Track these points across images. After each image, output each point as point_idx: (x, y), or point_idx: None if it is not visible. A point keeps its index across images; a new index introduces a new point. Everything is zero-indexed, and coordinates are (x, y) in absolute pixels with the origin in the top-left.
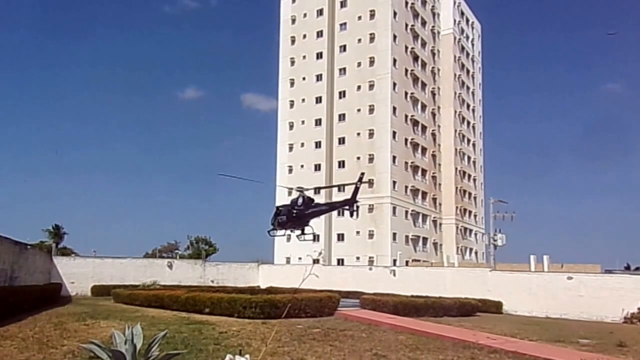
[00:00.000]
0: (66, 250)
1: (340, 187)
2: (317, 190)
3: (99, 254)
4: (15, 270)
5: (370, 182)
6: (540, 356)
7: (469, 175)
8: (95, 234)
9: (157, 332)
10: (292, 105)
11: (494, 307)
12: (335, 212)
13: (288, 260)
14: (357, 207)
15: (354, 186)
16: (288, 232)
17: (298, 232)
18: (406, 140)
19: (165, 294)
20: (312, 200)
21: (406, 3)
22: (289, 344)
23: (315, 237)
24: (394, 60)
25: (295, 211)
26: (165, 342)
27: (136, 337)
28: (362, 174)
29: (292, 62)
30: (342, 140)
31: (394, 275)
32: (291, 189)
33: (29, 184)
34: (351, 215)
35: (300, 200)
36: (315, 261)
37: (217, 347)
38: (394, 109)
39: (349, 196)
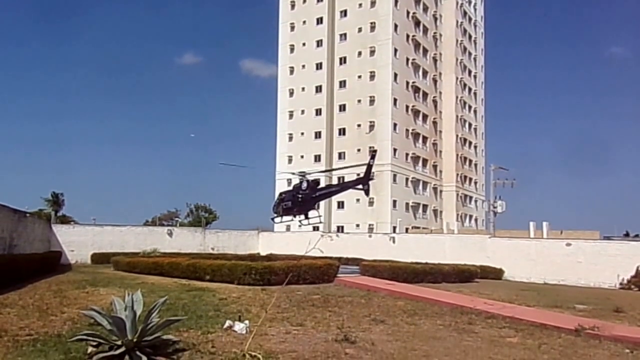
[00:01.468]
0: (65, 218)
1: (341, 155)
2: (317, 159)
3: (99, 222)
4: (14, 238)
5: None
6: (536, 321)
7: (470, 143)
8: (95, 202)
9: (157, 299)
10: (292, 72)
11: (493, 274)
12: (335, 179)
13: (288, 228)
14: (371, 180)
15: (354, 158)
16: (292, 217)
17: (301, 217)
18: (407, 107)
19: (166, 262)
20: (318, 182)
21: None
22: (289, 310)
23: (318, 209)
24: (395, 26)
25: (300, 196)
26: (165, 308)
27: (136, 303)
28: (375, 151)
29: (292, 28)
30: (342, 108)
31: (394, 242)
32: (291, 169)
33: (28, 152)
34: (366, 194)
35: (304, 185)
36: (315, 228)
37: (217, 313)
38: (395, 75)
39: (349, 164)
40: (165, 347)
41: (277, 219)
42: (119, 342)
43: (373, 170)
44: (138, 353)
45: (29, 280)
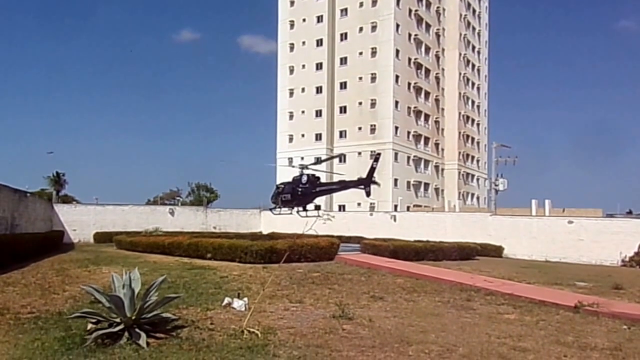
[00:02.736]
0: (67, 197)
1: (342, 134)
2: (318, 137)
3: (101, 201)
4: (16, 218)
5: (373, 128)
6: (535, 298)
7: (473, 120)
8: (97, 182)
9: (158, 277)
10: (292, 49)
11: (495, 251)
12: (336, 160)
13: None
14: (376, 182)
15: (355, 136)
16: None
17: (299, 208)
18: (409, 84)
19: (167, 240)
20: (318, 178)
21: None
22: (289, 287)
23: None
24: (398, 0)
25: (300, 190)
26: (167, 286)
27: (134, 282)
28: (378, 154)
29: (292, 3)
30: (343, 85)
31: (395, 220)
32: (292, 148)
33: (30, 127)
34: (367, 195)
35: (304, 179)
36: (317, 207)
37: (217, 291)
38: (397, 51)
39: (350, 142)
40: (164, 324)
41: (276, 210)
42: (118, 320)
43: (375, 149)
44: (137, 330)
45: (31, 259)
